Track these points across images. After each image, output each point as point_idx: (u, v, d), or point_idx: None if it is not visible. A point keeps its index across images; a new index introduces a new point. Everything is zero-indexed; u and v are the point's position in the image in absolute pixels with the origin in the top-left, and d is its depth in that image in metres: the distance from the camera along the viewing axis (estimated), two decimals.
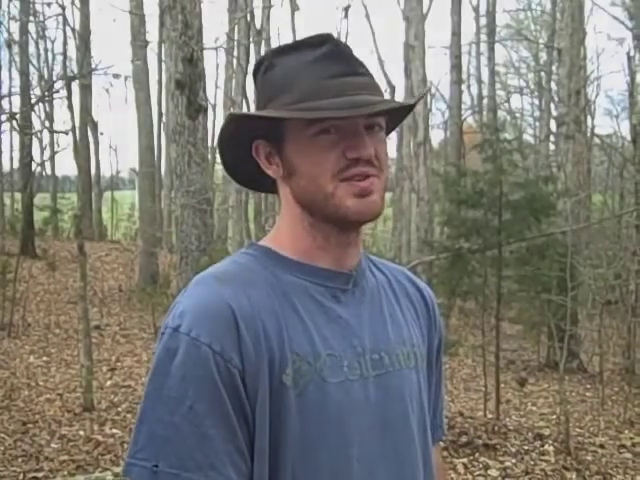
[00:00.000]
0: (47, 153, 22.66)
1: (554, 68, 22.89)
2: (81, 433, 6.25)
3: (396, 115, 1.37)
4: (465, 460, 5.60)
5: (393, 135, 23.85)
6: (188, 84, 6.78)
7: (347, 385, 1.23)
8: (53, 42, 24.00)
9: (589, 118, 24.56)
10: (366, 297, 1.33)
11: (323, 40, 1.27)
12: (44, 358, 9.56)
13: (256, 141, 1.31)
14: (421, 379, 1.37)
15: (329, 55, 1.26)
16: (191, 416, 1.13)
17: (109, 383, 8.36)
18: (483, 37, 26.75)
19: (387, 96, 1.47)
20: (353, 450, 1.22)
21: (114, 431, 6.32)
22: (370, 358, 1.27)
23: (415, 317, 1.42)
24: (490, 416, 7.27)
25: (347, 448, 1.21)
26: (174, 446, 1.13)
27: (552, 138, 23.66)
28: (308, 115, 1.21)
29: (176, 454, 1.12)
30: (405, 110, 1.38)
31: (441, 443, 1.57)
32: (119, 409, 7.13)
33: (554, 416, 8.01)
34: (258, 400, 1.16)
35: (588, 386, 10.29)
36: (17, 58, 19.82)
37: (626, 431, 7.30)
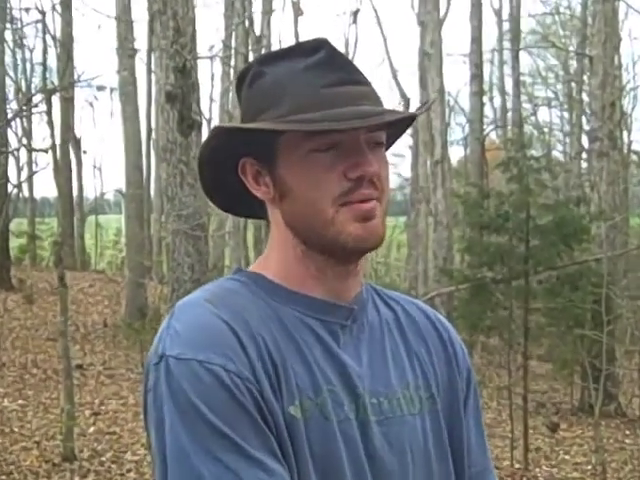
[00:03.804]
0: (24, 173, 22.79)
1: (585, 78, 22.96)
2: None
3: (395, 130, 1.36)
4: None
5: (407, 153, 23.88)
6: (180, 97, 6.80)
7: (346, 426, 1.23)
8: (32, 51, 23.98)
9: (625, 133, 24.64)
10: (365, 334, 1.32)
11: (317, 46, 1.27)
12: (20, 401, 9.53)
13: (243, 159, 1.30)
14: (427, 425, 1.34)
15: (325, 62, 1.25)
16: (234, 448, 1.13)
17: (92, 429, 8.32)
18: (506, 44, 26.86)
19: (398, 108, 1.47)
20: None
21: None
22: (369, 403, 1.27)
23: (425, 355, 1.39)
24: (518, 466, 7.22)
25: None
26: None
27: (584, 155, 23.69)
28: (306, 128, 1.20)
29: None
30: (404, 124, 1.38)
31: None
32: (103, 459, 7.10)
33: (589, 466, 7.95)
34: (280, 427, 1.17)
35: (627, 432, 10.22)
36: None
37: None
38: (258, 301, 1.26)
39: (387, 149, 1.36)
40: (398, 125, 1.35)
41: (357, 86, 1.25)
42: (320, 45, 1.27)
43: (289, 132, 1.23)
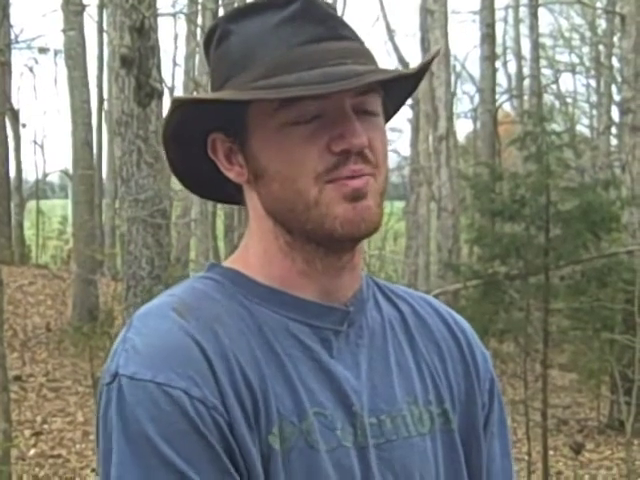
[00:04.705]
0: None
1: (616, 40, 23.01)
2: None
3: (397, 94, 1.35)
4: None
5: (406, 127, 23.92)
6: (137, 61, 6.78)
7: (340, 454, 1.21)
8: None
9: None
10: (364, 340, 1.31)
11: None
12: None
13: (212, 135, 1.30)
14: (438, 448, 1.32)
15: (300, 15, 1.24)
16: None
17: (33, 452, 8.31)
18: None
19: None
20: None
21: None
22: (368, 422, 1.25)
23: (439, 363, 1.38)
24: None
25: None
26: None
27: (614, 130, 23.77)
28: (271, 95, 1.20)
29: None
30: (408, 85, 1.35)
31: None
32: None
33: None
34: (251, 463, 1.16)
35: None
36: None
37: None
38: (234, 306, 1.25)
39: (389, 117, 1.36)
40: (398, 90, 1.33)
41: (339, 42, 1.24)
42: None
43: (257, 101, 1.22)
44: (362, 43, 1.28)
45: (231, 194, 1.35)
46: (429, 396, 1.34)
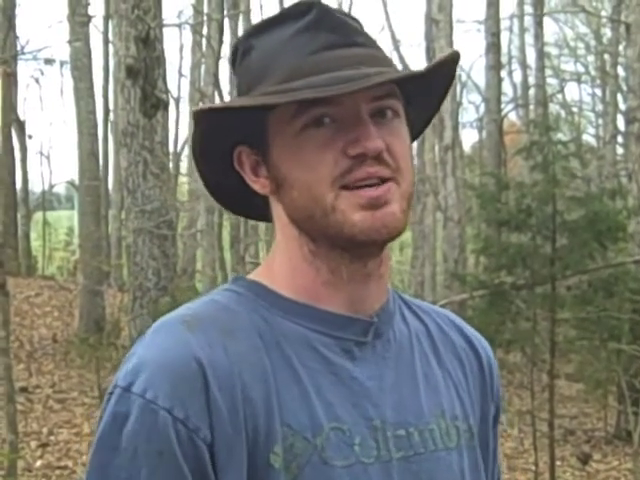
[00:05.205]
0: None
1: (621, 48, 23.00)
2: None
3: (420, 106, 1.35)
4: None
5: None
6: (143, 71, 6.80)
7: (358, 470, 1.20)
8: None
9: None
10: (391, 352, 1.31)
11: (307, 7, 1.27)
12: None
13: (238, 148, 1.30)
14: (465, 463, 1.32)
15: (314, 25, 1.25)
16: None
17: (39, 463, 8.29)
18: (528, 8, 26.90)
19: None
20: None
21: None
22: (393, 435, 1.24)
23: (462, 379, 1.38)
24: None
25: None
26: None
27: (620, 139, 23.75)
28: (274, 99, 1.21)
29: None
30: (432, 97, 1.36)
31: None
32: None
33: None
34: None
35: None
36: None
37: None
38: (254, 319, 1.24)
39: (421, 131, 1.39)
40: (421, 101, 1.34)
41: (354, 48, 1.24)
42: (310, 6, 1.27)
43: (278, 109, 1.23)
44: (379, 49, 1.29)
45: (259, 206, 1.34)
46: (455, 411, 1.34)
